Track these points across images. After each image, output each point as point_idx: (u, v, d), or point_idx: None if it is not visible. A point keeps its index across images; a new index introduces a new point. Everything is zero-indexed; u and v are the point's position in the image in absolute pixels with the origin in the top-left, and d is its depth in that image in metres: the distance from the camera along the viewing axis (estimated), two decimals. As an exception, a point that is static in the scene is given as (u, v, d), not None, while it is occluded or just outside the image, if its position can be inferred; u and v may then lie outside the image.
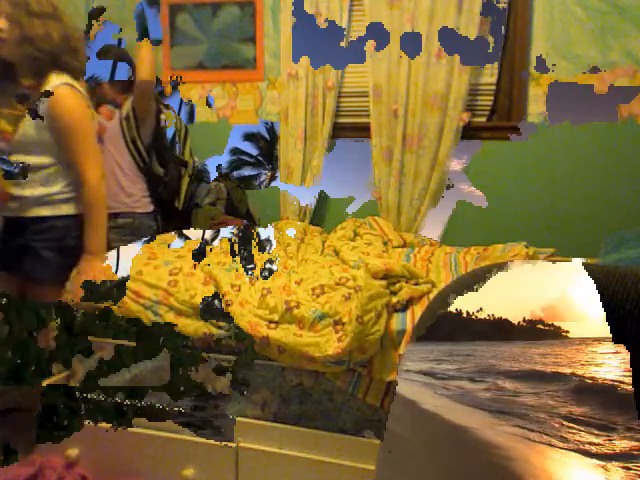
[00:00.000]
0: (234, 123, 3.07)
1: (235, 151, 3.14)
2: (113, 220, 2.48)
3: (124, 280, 2.02)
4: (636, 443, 0.57)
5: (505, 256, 2.21)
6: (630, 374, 0.61)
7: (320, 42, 2.84)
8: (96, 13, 2.70)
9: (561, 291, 0.70)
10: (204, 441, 1.84)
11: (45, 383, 1.98)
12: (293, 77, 2.86)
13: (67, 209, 2.06)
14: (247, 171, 3.17)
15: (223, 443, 1.82)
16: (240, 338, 1.83)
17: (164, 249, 2.29)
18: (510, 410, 0.66)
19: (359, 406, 1.78)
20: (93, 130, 2.10)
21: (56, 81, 1.94)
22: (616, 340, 0.62)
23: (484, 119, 2.79)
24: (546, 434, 0.62)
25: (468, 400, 0.69)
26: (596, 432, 0.60)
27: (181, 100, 3.12)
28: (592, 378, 0.66)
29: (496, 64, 2.72)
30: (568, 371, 0.68)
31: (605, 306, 0.63)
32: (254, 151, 3.15)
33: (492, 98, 2.76)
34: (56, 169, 2.01)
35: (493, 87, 2.76)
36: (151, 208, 2.63)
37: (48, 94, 1.90)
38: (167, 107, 2.74)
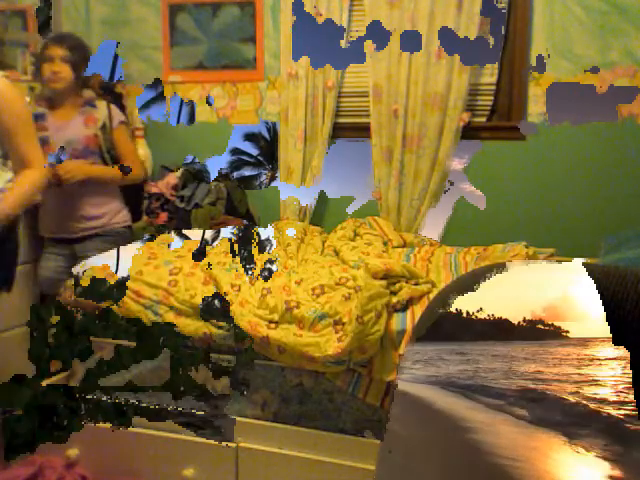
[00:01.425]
0: (234, 123, 3.07)
1: (235, 151, 3.14)
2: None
3: (124, 280, 2.02)
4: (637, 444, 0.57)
5: (505, 256, 2.21)
6: (630, 375, 0.61)
7: (320, 42, 2.83)
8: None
9: (562, 291, 0.70)
10: (204, 441, 1.84)
11: (45, 383, 1.98)
12: (293, 77, 2.86)
13: None
14: (247, 171, 3.16)
15: (223, 443, 1.82)
16: (240, 338, 1.83)
17: (164, 249, 2.30)
18: (511, 411, 0.66)
19: (359, 406, 1.78)
20: (32, 120, 2.02)
21: None
22: (616, 340, 0.62)
23: (484, 119, 2.78)
24: (548, 435, 0.62)
25: (469, 400, 0.69)
26: (599, 433, 0.60)
27: (181, 100, 3.11)
28: (592, 379, 0.66)
29: (496, 64, 2.72)
30: (569, 371, 0.68)
31: (605, 306, 0.63)
32: (254, 151, 3.15)
33: (492, 98, 2.76)
34: None
35: (493, 87, 2.76)
36: (130, 219, 2.57)
37: None
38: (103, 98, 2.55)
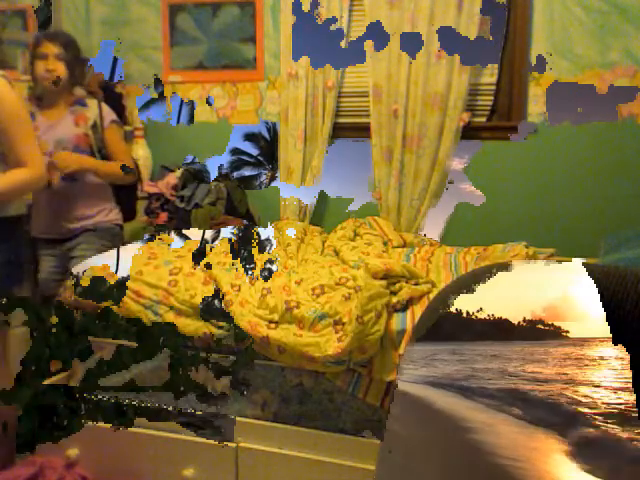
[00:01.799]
0: (234, 123, 3.07)
1: (235, 151, 3.14)
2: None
3: (124, 280, 2.02)
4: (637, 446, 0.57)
5: (505, 256, 2.21)
6: (629, 375, 0.61)
7: (320, 42, 2.83)
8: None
9: (562, 291, 0.70)
10: (204, 441, 1.84)
11: (45, 383, 1.98)
12: (293, 77, 2.86)
13: None
14: (247, 171, 3.17)
15: (223, 443, 1.82)
16: (240, 338, 1.83)
17: (164, 249, 2.30)
18: (509, 411, 0.66)
19: (359, 406, 1.78)
20: (31, 122, 1.98)
21: None
22: (616, 341, 0.62)
23: (484, 119, 2.79)
24: (547, 436, 0.62)
25: (469, 400, 0.69)
26: (593, 435, 0.60)
27: (181, 100, 3.12)
28: (591, 380, 0.66)
29: (496, 64, 2.72)
30: (568, 372, 0.67)
31: (605, 306, 0.63)
32: (254, 151, 3.15)
33: (492, 98, 2.76)
34: None
35: (493, 87, 2.76)
36: (121, 218, 2.54)
37: None
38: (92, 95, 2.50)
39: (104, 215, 2.44)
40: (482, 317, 0.73)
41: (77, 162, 2.28)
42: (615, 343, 0.61)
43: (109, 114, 2.44)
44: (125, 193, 2.58)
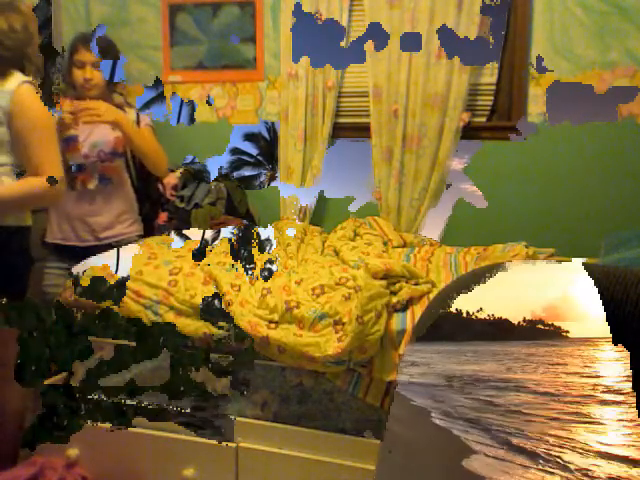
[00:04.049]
0: (234, 123, 3.07)
1: (235, 151, 3.14)
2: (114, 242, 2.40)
3: (124, 280, 2.02)
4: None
5: (505, 256, 2.21)
6: (630, 375, 0.61)
7: (320, 42, 2.84)
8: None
9: (562, 291, 0.70)
10: (204, 441, 1.84)
11: (45, 383, 1.98)
12: (293, 77, 2.86)
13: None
14: (247, 171, 3.17)
15: (223, 443, 1.82)
16: (240, 338, 1.83)
17: (164, 249, 2.30)
18: (507, 414, 0.66)
19: (359, 406, 1.78)
20: (55, 132, 1.92)
21: (18, 79, 1.79)
22: (616, 340, 0.62)
23: (484, 119, 2.79)
24: (537, 446, 0.62)
25: (468, 401, 0.69)
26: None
27: (181, 100, 3.12)
28: (590, 382, 0.66)
29: (496, 64, 2.72)
30: (568, 373, 0.67)
31: (605, 306, 0.63)
32: (254, 151, 3.15)
33: (492, 98, 2.76)
34: (8, 170, 1.84)
35: (493, 87, 2.76)
36: (142, 230, 2.55)
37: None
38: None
39: (126, 226, 2.44)
40: (482, 317, 0.73)
41: (114, 114, 2.22)
42: (615, 343, 0.61)
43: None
44: (150, 206, 2.59)
